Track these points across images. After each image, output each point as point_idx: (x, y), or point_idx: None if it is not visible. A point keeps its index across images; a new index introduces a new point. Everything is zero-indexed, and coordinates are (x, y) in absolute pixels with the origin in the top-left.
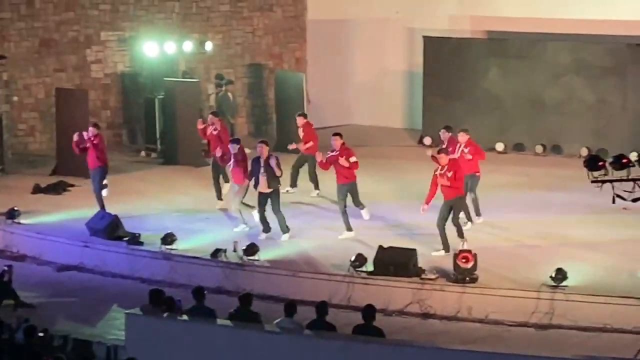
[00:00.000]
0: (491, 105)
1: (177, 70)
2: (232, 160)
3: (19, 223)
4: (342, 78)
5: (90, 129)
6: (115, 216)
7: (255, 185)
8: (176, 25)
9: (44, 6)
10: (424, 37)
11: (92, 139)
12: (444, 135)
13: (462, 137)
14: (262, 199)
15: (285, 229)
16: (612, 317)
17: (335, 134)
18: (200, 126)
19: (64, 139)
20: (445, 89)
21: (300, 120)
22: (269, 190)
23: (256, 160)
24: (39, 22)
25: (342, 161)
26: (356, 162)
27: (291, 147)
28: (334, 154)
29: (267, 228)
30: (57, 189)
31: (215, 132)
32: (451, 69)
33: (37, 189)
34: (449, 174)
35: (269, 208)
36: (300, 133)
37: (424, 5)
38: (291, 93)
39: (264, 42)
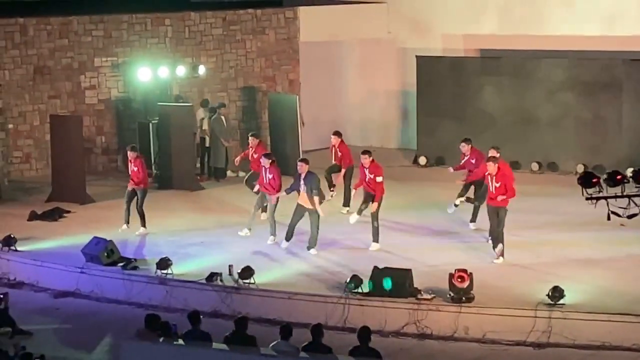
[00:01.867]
0: (486, 124)
1: (170, 94)
2: (266, 173)
3: (16, 250)
4: (336, 99)
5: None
6: (111, 241)
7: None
8: (169, 49)
9: (37, 33)
10: (417, 56)
11: (132, 161)
12: (465, 148)
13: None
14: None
15: (313, 244)
16: (611, 335)
17: (365, 152)
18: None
19: (59, 165)
20: (440, 108)
21: (335, 140)
22: (309, 207)
23: (297, 177)
24: (33, 49)
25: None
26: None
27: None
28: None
29: (289, 236)
30: (53, 215)
31: (255, 155)
32: (445, 88)
33: (33, 216)
34: (497, 185)
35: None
36: (337, 152)
37: (417, 24)
38: (285, 115)
39: (257, 65)
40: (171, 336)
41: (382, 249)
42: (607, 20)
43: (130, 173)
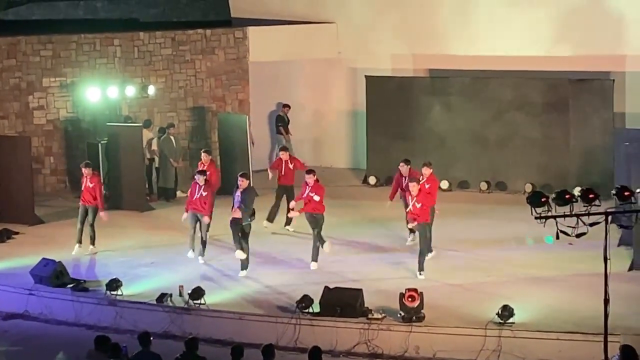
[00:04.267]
0: (435, 143)
1: (120, 115)
2: (199, 190)
3: None
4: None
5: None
6: (60, 263)
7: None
8: (118, 70)
9: None
10: (366, 76)
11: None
12: (404, 168)
13: (426, 171)
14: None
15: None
16: (560, 354)
17: (309, 171)
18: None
19: (7, 186)
20: (389, 127)
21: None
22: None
23: (235, 190)
24: None
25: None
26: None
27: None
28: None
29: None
30: (1, 236)
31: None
32: (394, 108)
33: None
34: (419, 205)
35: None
36: (287, 167)
37: (366, 44)
38: (235, 135)
39: (207, 85)
40: (121, 358)
41: (333, 269)
42: (553, 40)
43: (83, 190)
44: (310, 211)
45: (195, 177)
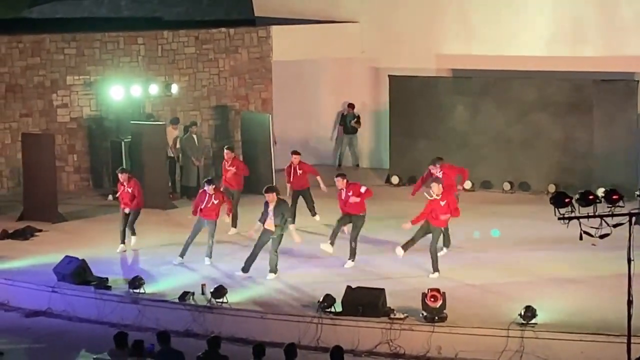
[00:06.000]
0: (458, 143)
1: (143, 113)
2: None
3: None
4: (309, 118)
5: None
6: (83, 260)
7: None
8: (142, 68)
9: (9, 52)
10: (390, 76)
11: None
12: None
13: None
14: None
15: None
16: (583, 355)
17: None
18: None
19: (31, 184)
20: (412, 127)
21: (295, 159)
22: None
23: (265, 205)
24: (5, 67)
25: (353, 199)
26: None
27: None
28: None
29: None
30: (25, 234)
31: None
32: (417, 108)
33: (4, 235)
34: (442, 203)
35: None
36: (296, 171)
37: (389, 44)
38: (257, 134)
39: (230, 84)
40: (143, 356)
41: (356, 268)
42: (577, 40)
43: (120, 195)
44: (353, 212)
45: (205, 187)
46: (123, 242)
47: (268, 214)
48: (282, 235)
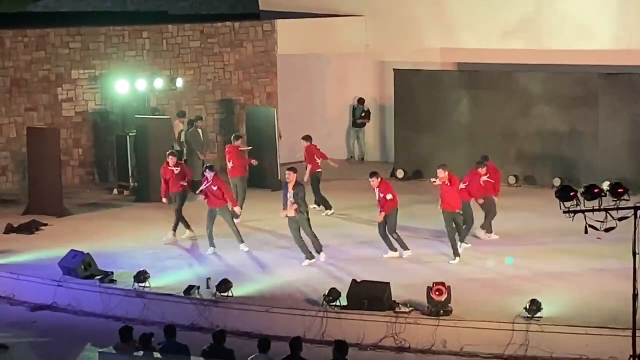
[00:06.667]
0: (463, 137)
1: (148, 107)
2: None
3: None
4: (314, 112)
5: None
6: (88, 255)
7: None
8: (147, 62)
9: (14, 46)
10: (395, 70)
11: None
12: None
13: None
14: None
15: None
16: (588, 348)
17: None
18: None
19: (36, 178)
20: (417, 121)
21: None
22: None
23: (285, 187)
24: (10, 62)
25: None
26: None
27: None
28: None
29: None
30: (30, 228)
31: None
32: (422, 102)
33: (9, 229)
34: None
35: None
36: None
37: (394, 38)
38: (263, 128)
39: (235, 78)
40: (150, 349)
41: (361, 262)
42: (582, 34)
43: (167, 180)
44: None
45: (206, 173)
46: (189, 228)
47: (287, 198)
48: (307, 216)
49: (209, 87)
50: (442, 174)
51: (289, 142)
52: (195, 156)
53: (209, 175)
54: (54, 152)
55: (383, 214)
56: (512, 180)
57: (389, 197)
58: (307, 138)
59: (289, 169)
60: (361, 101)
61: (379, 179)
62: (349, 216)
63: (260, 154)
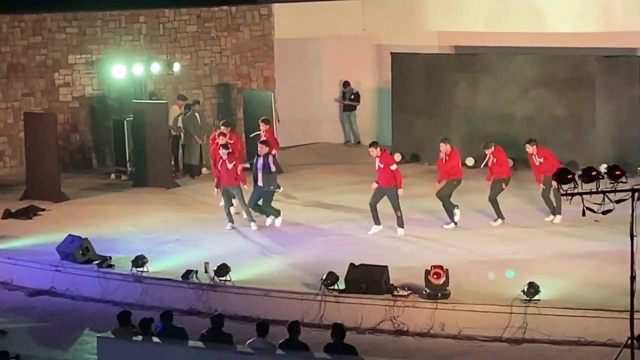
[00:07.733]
0: (460, 120)
1: (145, 92)
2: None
3: None
4: (311, 96)
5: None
6: (86, 239)
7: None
8: (144, 47)
9: (11, 31)
10: (392, 53)
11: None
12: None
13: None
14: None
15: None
16: (586, 331)
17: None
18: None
19: (34, 163)
20: (414, 104)
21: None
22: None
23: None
24: (6, 46)
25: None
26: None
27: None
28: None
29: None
30: (28, 213)
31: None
32: (420, 85)
33: (7, 214)
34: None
35: None
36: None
37: (391, 21)
38: (260, 112)
39: (232, 62)
40: (149, 334)
41: (359, 245)
42: (579, 16)
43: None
44: (383, 185)
45: (220, 151)
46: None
47: (258, 167)
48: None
49: (206, 72)
50: (445, 147)
51: (286, 126)
52: (192, 140)
53: (224, 153)
54: (51, 137)
55: (375, 184)
56: (509, 163)
57: (393, 167)
58: (266, 121)
59: (261, 142)
60: (346, 84)
61: (379, 149)
62: (345, 200)
63: (257, 137)
